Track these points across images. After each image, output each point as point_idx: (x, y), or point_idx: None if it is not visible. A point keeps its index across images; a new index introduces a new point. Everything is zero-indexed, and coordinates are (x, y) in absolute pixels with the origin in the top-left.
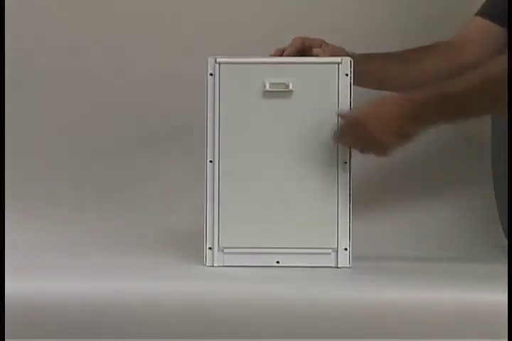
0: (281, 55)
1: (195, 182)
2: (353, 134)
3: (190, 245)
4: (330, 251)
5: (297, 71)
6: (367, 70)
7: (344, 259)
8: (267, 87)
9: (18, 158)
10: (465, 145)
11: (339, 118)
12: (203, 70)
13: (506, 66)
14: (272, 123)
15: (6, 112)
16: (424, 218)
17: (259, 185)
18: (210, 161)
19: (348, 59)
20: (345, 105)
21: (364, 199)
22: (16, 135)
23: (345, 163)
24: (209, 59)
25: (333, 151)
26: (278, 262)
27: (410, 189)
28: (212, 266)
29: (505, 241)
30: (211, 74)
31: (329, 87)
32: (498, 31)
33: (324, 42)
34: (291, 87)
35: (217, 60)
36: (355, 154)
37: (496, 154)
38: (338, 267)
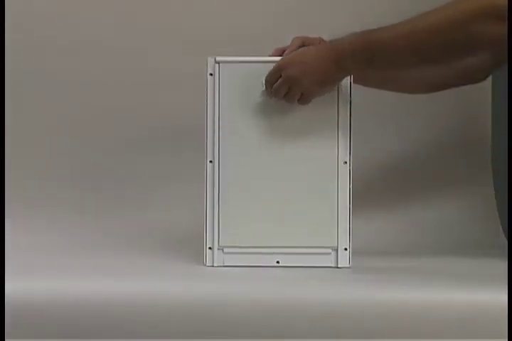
0: (280, 55)
1: (195, 182)
2: (278, 79)
3: (190, 245)
4: (330, 250)
5: None
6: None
7: (344, 259)
8: None
9: (18, 158)
10: (465, 145)
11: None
12: (203, 70)
13: (435, 22)
14: (272, 123)
15: (5, 112)
16: (424, 218)
17: (259, 184)
18: (210, 161)
19: None
20: (345, 105)
21: (364, 199)
22: (16, 135)
23: (345, 162)
24: (209, 59)
25: (333, 151)
26: (278, 262)
27: (410, 189)
28: (212, 266)
29: (505, 241)
30: (211, 74)
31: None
32: None
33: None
34: None
35: (217, 59)
36: (356, 154)
37: (496, 154)
38: (338, 267)
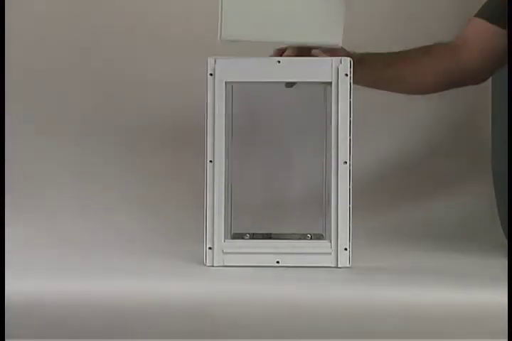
0: (281, 56)
1: (195, 182)
2: None
3: (190, 245)
4: (330, 250)
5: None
6: (367, 70)
7: (344, 259)
8: None
9: (18, 157)
10: (465, 145)
11: None
12: (203, 70)
13: None
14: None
15: (5, 112)
16: (424, 218)
17: None
18: (210, 161)
19: (348, 59)
20: (345, 105)
21: (364, 199)
22: (16, 135)
23: (345, 162)
24: (209, 59)
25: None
26: (278, 262)
27: (410, 189)
28: (212, 266)
29: (505, 241)
30: (211, 74)
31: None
32: (498, 32)
33: None
34: None
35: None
36: (356, 154)
37: (496, 154)
38: (338, 267)
